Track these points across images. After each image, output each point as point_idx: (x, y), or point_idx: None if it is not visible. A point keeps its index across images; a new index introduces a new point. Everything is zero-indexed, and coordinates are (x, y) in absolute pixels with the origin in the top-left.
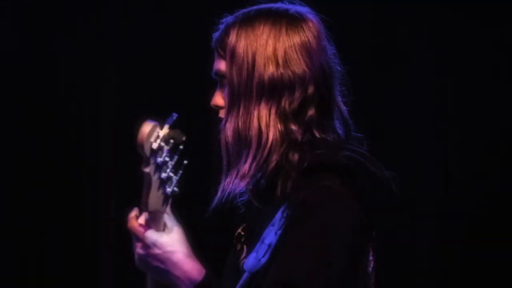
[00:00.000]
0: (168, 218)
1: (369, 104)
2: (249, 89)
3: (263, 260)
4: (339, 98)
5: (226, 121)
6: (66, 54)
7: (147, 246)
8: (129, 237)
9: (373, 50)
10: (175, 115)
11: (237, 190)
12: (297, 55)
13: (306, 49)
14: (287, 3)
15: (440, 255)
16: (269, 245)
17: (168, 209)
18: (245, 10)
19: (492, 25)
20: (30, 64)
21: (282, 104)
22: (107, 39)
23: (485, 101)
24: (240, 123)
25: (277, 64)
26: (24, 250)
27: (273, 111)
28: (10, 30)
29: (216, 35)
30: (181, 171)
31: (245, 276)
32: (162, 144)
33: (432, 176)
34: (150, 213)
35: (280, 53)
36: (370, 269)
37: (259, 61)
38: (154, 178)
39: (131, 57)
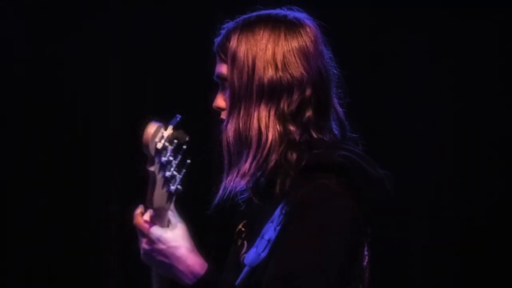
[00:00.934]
0: (172, 215)
1: (368, 108)
2: (250, 91)
3: (263, 255)
4: (335, 100)
5: (228, 122)
6: (70, 56)
7: (152, 241)
8: (134, 233)
9: (371, 55)
10: (178, 117)
11: (238, 188)
12: (295, 59)
13: (304, 53)
14: (285, 10)
15: (437, 255)
16: (269, 240)
17: (172, 206)
18: (245, 16)
19: (490, 29)
20: (35, 66)
21: (281, 106)
22: (110, 41)
23: (483, 105)
24: (240, 124)
25: (276, 68)
26: (30, 248)
27: (272, 112)
28: (15, 32)
29: (217, 40)
30: (184, 170)
31: (245, 270)
32: (166, 144)
33: (430, 178)
34: (154, 210)
35: (279, 57)
36: (365, 263)
37: (259, 64)
38: (159, 177)
39: (134, 59)
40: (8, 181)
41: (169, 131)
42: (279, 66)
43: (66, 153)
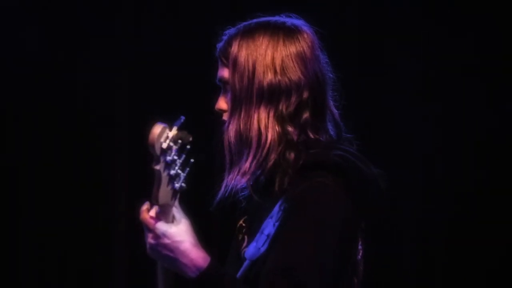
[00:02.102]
0: (177, 211)
1: (366, 109)
2: (250, 94)
3: (263, 249)
4: (331, 102)
5: (229, 123)
6: (81, 61)
7: (157, 236)
8: (141, 228)
9: (370, 56)
10: (182, 118)
11: (238, 186)
12: (293, 63)
13: (301, 58)
14: (284, 17)
15: (429, 251)
16: (268, 236)
17: (176, 202)
18: (246, 23)
19: (486, 30)
20: (48, 71)
21: (280, 108)
22: (119, 46)
23: (480, 105)
24: (241, 125)
25: (275, 72)
26: (43, 243)
27: (271, 114)
28: (29, 39)
29: (219, 45)
30: (188, 169)
31: (246, 263)
32: (171, 144)
33: (425, 177)
34: (160, 206)
35: (278, 62)
36: (359, 257)
37: (259, 69)
38: (164, 175)
39: (142, 65)
40: (22, 181)
41: (173, 132)
42: (278, 70)
43: (81, 156)
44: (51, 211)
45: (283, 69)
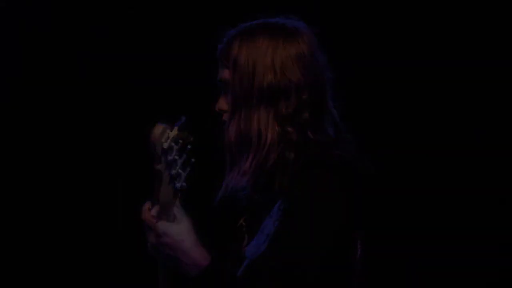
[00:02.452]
0: (178, 210)
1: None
2: (250, 95)
3: (262, 248)
4: (330, 103)
5: (229, 123)
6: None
7: (158, 235)
8: (142, 227)
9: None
10: (183, 118)
11: (239, 185)
12: (293, 64)
13: (301, 59)
14: (284, 18)
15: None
16: (268, 235)
17: (177, 202)
18: (246, 24)
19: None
20: (48, 70)
21: (280, 108)
22: (122, 49)
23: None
24: (242, 125)
25: (275, 73)
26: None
27: (271, 114)
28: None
29: (220, 46)
30: (189, 168)
31: (246, 262)
32: (172, 144)
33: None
34: (161, 205)
35: (278, 63)
36: (358, 256)
37: (259, 70)
38: (165, 175)
39: (143, 65)
40: (23, 180)
41: (174, 132)
42: (278, 71)
43: (87, 156)
44: (52, 210)
45: (283, 70)
